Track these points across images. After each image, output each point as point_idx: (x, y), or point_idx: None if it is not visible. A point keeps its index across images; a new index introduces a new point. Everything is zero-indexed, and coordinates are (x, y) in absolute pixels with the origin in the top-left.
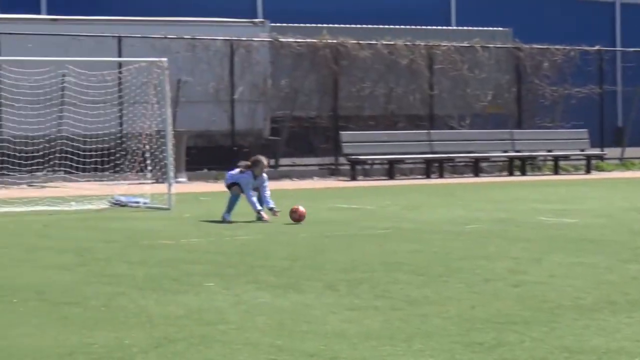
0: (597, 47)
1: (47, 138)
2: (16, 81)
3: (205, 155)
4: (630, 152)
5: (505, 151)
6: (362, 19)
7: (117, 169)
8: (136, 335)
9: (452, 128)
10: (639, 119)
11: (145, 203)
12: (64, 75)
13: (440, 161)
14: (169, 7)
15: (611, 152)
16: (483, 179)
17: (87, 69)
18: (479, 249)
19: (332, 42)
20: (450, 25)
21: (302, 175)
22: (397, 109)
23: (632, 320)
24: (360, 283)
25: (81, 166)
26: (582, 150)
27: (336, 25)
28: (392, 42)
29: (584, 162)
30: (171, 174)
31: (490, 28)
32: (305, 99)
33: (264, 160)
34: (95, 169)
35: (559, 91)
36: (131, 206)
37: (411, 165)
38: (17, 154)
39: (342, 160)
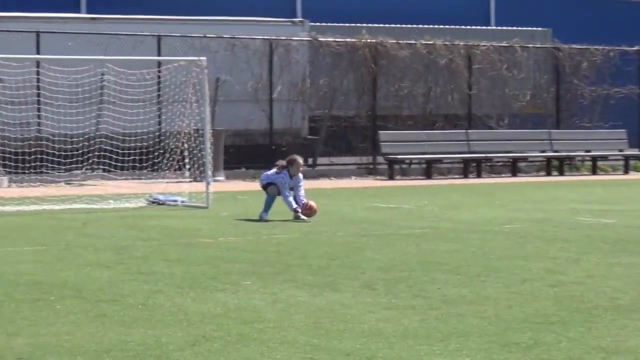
0: (636, 47)
1: (86, 136)
2: (55, 80)
3: (243, 154)
4: None
5: (543, 151)
6: (401, 19)
7: (156, 167)
8: (173, 333)
9: (490, 128)
10: None
11: (183, 201)
12: (103, 74)
13: (478, 161)
14: (208, 6)
15: None
16: (521, 179)
17: (126, 67)
18: (516, 249)
19: (371, 42)
20: (489, 25)
21: (340, 175)
22: (435, 108)
23: None
24: (397, 282)
25: (119, 164)
26: (621, 151)
27: (375, 25)
28: (431, 42)
29: (622, 162)
30: (209, 172)
31: (530, 28)
32: (343, 99)
33: (300, 159)
34: (134, 168)
35: (598, 91)
36: (169, 204)
37: (449, 165)
38: (56, 152)
39: (380, 159)
